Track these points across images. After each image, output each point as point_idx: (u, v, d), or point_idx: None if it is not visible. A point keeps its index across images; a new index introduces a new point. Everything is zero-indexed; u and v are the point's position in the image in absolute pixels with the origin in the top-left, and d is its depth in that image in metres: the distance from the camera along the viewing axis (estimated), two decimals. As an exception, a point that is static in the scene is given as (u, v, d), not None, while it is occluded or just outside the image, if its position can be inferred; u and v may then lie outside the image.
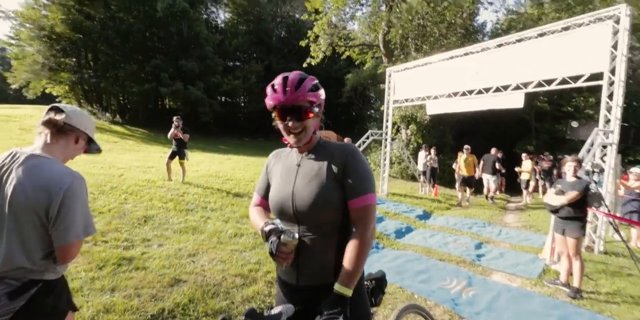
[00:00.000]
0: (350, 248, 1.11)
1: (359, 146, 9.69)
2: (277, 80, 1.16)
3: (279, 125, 1.19)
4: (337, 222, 1.17)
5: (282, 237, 1.12)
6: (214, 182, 7.29)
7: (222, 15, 30.40)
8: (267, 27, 27.55)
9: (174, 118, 6.97)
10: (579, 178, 3.69)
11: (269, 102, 1.17)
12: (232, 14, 28.78)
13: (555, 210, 3.78)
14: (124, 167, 7.82)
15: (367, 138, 10.21)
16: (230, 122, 25.60)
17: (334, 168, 1.18)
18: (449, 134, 15.04)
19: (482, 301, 3.45)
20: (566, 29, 5.57)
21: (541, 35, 5.92)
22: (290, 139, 1.20)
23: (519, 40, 6.30)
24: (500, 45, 6.65)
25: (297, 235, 1.13)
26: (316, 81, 1.21)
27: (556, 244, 4.05)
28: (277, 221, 1.27)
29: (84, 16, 18.54)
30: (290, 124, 1.16)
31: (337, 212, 1.16)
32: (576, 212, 3.64)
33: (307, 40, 13.95)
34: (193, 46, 21.15)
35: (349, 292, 1.06)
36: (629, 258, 5.00)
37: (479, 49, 7.19)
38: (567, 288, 3.73)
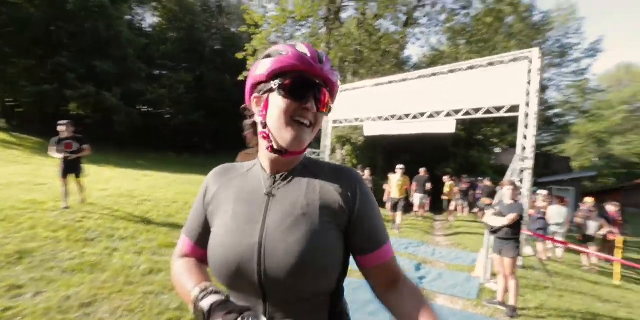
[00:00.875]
0: (414, 301, 0.75)
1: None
2: (302, 46, 0.76)
3: (283, 104, 0.72)
4: (330, 291, 0.75)
5: None
6: (126, 203, 6.11)
7: (148, 19, 28.12)
8: (201, 37, 26.23)
9: (61, 124, 5.32)
10: (516, 201, 3.88)
11: (288, 61, 0.72)
12: (161, 19, 26.82)
13: (494, 231, 3.92)
14: (0, 184, 6.11)
15: (305, 156, 9.95)
16: (152, 135, 23.11)
17: (335, 203, 0.75)
18: (379, 156, 15.77)
19: (434, 331, 3.27)
20: (491, 64, 6.20)
21: (470, 68, 6.50)
22: (286, 134, 0.72)
23: (451, 71, 6.82)
24: (434, 74, 7.13)
25: None
26: None
27: (494, 264, 4.15)
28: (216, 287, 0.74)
29: (-38, -4, 15.15)
30: (309, 104, 0.73)
31: (334, 276, 0.73)
32: (513, 233, 3.79)
33: (244, 53, 13.47)
34: (112, 47, 18.83)
35: None
36: (542, 271, 5.48)
37: (415, 76, 7.63)
38: (504, 307, 3.81)
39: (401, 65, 16.90)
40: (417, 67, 21.39)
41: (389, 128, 8.32)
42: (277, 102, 0.72)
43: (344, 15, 16.39)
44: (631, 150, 31.77)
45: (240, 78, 13.86)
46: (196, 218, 0.83)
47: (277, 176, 0.79)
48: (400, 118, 7.84)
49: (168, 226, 5.20)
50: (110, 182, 8.08)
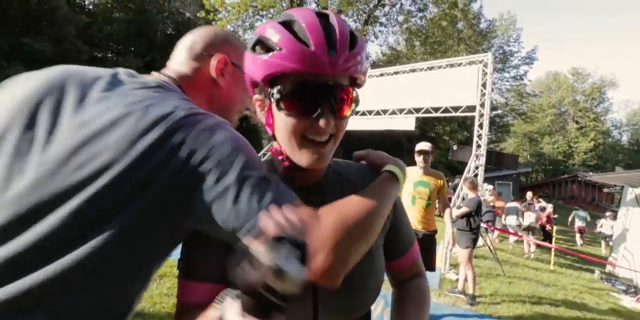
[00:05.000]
0: (413, 300, 0.73)
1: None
2: (300, 25, 0.53)
3: (288, 123, 0.55)
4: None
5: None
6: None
7: (90, -4, 25.32)
8: (151, 20, 24.24)
9: None
10: (474, 196, 4.17)
11: (284, 64, 0.51)
12: (105, -3, 24.33)
13: (454, 222, 4.19)
14: None
15: (267, 151, 9.79)
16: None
17: None
18: (340, 150, 16.07)
19: (403, 321, 3.41)
20: (449, 66, 6.53)
21: (430, 68, 6.80)
22: (300, 156, 0.57)
23: (412, 70, 7.08)
24: (396, 73, 7.34)
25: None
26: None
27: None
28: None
29: None
30: (322, 121, 0.53)
31: (379, 291, 0.70)
32: (466, 225, 4.08)
33: (202, 41, 12.75)
34: (46, 23, 16.67)
35: None
36: (491, 260, 5.97)
37: (378, 74, 7.79)
38: (463, 295, 4.07)
39: (362, 62, 17.22)
40: (375, 65, 21.97)
41: (353, 124, 8.45)
42: (282, 118, 0.56)
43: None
44: (557, 149, 35.99)
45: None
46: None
47: (305, 190, 0.62)
48: (364, 114, 7.99)
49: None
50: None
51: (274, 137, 0.60)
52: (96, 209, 0.48)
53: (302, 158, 0.57)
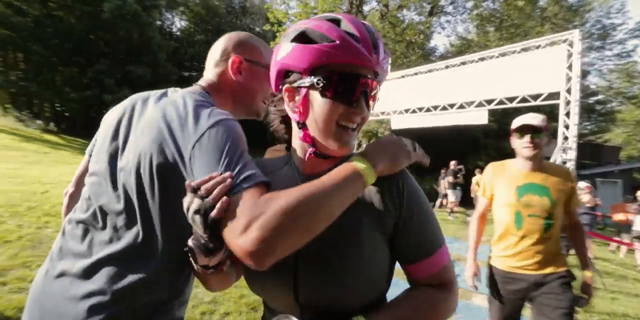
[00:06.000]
0: (422, 301, 0.64)
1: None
2: (347, 23, 0.60)
3: (328, 108, 0.61)
4: (378, 301, 0.68)
5: None
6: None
7: (177, 23, 29.24)
8: (226, 38, 26.94)
9: None
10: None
11: (338, 54, 0.58)
12: (189, 23, 27.80)
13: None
14: (51, 183, 6.60)
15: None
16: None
17: (378, 206, 0.64)
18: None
19: (471, 330, 3.17)
20: (525, 50, 5.85)
21: (502, 55, 6.18)
22: (332, 141, 0.63)
23: (481, 59, 6.52)
24: (463, 63, 6.84)
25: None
26: None
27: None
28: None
29: (13, 11, 16.47)
30: (359, 108, 0.62)
31: (382, 287, 0.67)
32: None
33: (269, 52, 13.67)
34: (144, 52, 19.78)
35: None
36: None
37: (442, 66, 7.36)
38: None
39: (427, 56, 16.39)
40: (443, 57, 20.66)
41: (417, 121, 8.11)
42: (321, 105, 0.60)
43: (366, 8, 16.17)
44: (688, 138, 28.89)
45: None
46: None
47: (316, 177, 0.60)
48: (428, 110, 7.61)
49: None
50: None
51: (301, 125, 0.65)
52: (157, 171, 0.70)
53: (332, 143, 0.63)
